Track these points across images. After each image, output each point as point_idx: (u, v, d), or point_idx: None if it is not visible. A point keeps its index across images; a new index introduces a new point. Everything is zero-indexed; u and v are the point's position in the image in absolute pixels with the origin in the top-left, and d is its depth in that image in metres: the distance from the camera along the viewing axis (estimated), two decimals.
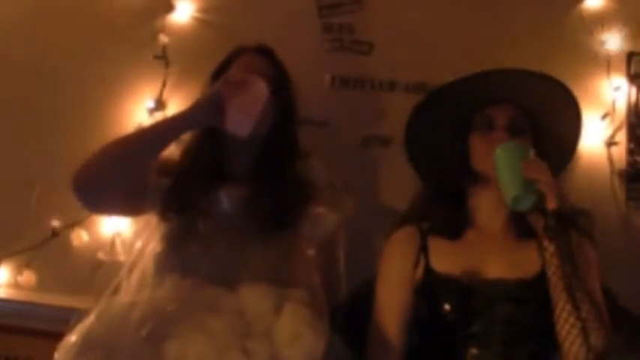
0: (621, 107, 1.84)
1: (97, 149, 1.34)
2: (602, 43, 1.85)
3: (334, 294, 1.43)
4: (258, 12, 1.94)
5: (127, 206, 1.44)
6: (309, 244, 1.42)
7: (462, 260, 1.39)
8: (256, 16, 1.93)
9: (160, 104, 1.91)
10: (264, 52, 1.53)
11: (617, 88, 1.83)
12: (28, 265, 1.88)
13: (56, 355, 1.24)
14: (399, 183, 1.71)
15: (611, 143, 1.83)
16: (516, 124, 1.42)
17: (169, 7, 1.97)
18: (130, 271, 1.36)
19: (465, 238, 1.43)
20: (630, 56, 1.86)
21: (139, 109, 1.93)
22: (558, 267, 1.27)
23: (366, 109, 1.90)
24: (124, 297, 1.32)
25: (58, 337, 1.26)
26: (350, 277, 1.48)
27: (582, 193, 1.68)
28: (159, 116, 1.88)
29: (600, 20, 1.86)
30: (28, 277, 1.88)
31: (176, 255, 1.38)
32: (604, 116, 1.82)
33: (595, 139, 1.82)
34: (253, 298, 1.26)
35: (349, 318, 1.43)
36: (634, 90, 1.85)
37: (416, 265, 1.42)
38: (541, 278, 1.34)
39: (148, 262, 1.39)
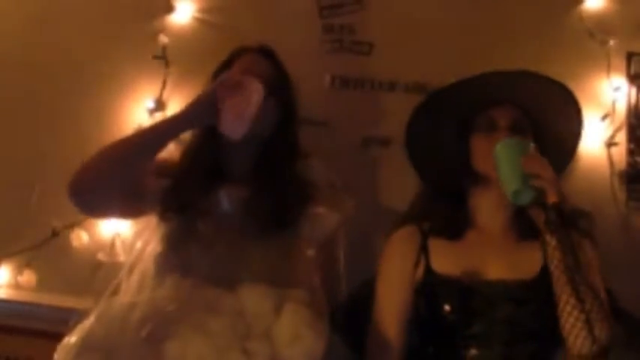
0: (621, 108, 1.84)
1: (93, 153, 1.33)
2: (602, 43, 1.85)
3: (334, 294, 1.43)
4: (258, 12, 1.94)
5: (126, 208, 1.44)
6: (309, 244, 1.42)
7: (462, 261, 1.39)
8: (256, 16, 1.93)
9: (160, 104, 1.92)
10: (266, 52, 1.53)
11: (617, 89, 1.83)
12: (28, 265, 1.88)
13: (56, 356, 1.24)
14: (399, 183, 1.71)
15: (611, 144, 1.82)
16: (518, 125, 1.42)
17: (169, 8, 1.97)
18: (130, 271, 1.36)
19: (466, 239, 1.43)
20: (630, 56, 1.86)
21: (139, 109, 1.93)
22: (561, 260, 1.27)
23: (366, 109, 1.90)
24: (124, 297, 1.32)
25: (58, 337, 1.26)
26: (350, 277, 1.49)
27: (582, 194, 1.68)
28: (159, 116, 1.88)
29: (600, 20, 1.86)
30: (28, 277, 1.88)
31: (176, 255, 1.38)
32: (604, 117, 1.82)
33: (595, 139, 1.82)
34: (253, 298, 1.26)
35: (349, 318, 1.43)
36: (634, 90, 1.85)
37: (416, 265, 1.42)
38: (541, 279, 1.34)
39: (147, 263, 1.39)
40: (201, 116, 1.36)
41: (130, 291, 1.33)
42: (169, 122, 1.42)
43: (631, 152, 1.83)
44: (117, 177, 1.32)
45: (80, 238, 1.87)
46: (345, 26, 1.93)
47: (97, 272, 1.73)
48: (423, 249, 1.43)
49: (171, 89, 1.92)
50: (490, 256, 1.40)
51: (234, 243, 1.38)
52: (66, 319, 1.26)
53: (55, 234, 1.86)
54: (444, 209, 1.47)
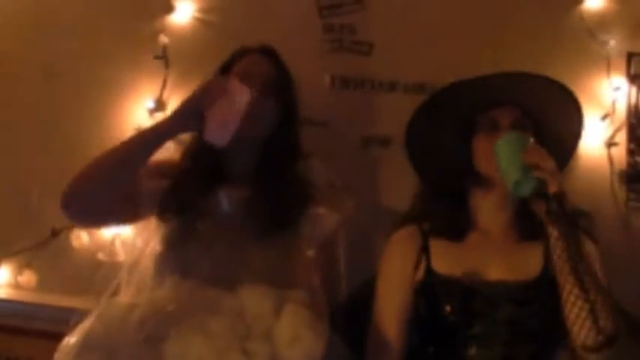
0: (621, 108, 1.84)
1: (83, 166, 1.34)
2: (602, 43, 1.85)
3: (334, 294, 1.43)
4: (258, 12, 1.94)
5: (122, 215, 1.44)
6: (309, 244, 1.42)
7: (462, 261, 1.39)
8: (257, 16, 1.93)
9: (160, 104, 1.92)
10: (267, 52, 1.53)
11: (617, 89, 1.83)
12: (28, 265, 1.88)
13: (56, 356, 1.24)
14: (399, 183, 1.71)
15: (611, 144, 1.83)
16: (520, 124, 1.41)
17: (169, 8, 1.96)
18: (130, 272, 1.37)
19: (466, 240, 1.43)
20: (630, 56, 1.86)
21: (139, 110, 1.93)
22: (564, 250, 1.26)
23: (366, 109, 1.90)
24: (124, 298, 1.32)
25: (58, 337, 1.26)
26: (350, 277, 1.48)
27: (582, 194, 1.66)
28: (159, 116, 1.88)
29: (600, 20, 1.86)
30: (28, 277, 1.88)
31: (176, 256, 1.38)
32: (604, 117, 1.82)
33: (595, 139, 1.82)
34: (253, 299, 1.26)
35: (349, 318, 1.43)
36: (634, 90, 1.85)
37: (417, 265, 1.42)
38: (542, 280, 1.34)
39: (147, 263, 1.39)
40: (185, 124, 1.36)
41: (130, 291, 1.33)
42: (153, 131, 1.40)
43: (631, 152, 1.84)
44: (106, 188, 1.33)
45: (80, 238, 1.87)
46: (345, 26, 1.93)
47: (97, 272, 1.73)
48: (424, 249, 1.43)
49: (171, 89, 1.92)
50: (491, 256, 1.40)
51: (234, 243, 1.38)
52: (66, 319, 1.26)
53: (55, 234, 1.87)
54: (445, 210, 1.46)
